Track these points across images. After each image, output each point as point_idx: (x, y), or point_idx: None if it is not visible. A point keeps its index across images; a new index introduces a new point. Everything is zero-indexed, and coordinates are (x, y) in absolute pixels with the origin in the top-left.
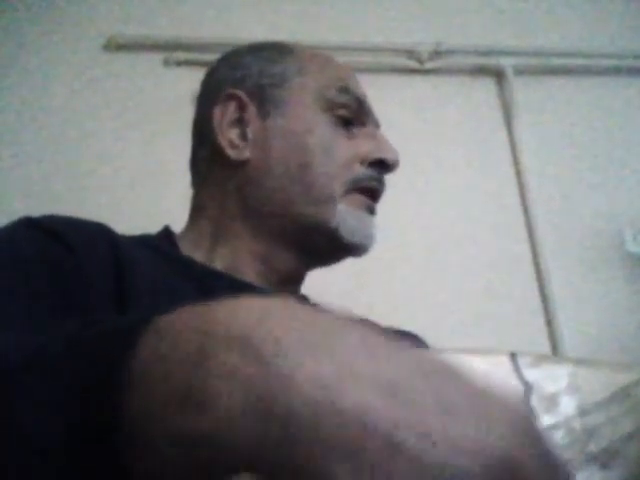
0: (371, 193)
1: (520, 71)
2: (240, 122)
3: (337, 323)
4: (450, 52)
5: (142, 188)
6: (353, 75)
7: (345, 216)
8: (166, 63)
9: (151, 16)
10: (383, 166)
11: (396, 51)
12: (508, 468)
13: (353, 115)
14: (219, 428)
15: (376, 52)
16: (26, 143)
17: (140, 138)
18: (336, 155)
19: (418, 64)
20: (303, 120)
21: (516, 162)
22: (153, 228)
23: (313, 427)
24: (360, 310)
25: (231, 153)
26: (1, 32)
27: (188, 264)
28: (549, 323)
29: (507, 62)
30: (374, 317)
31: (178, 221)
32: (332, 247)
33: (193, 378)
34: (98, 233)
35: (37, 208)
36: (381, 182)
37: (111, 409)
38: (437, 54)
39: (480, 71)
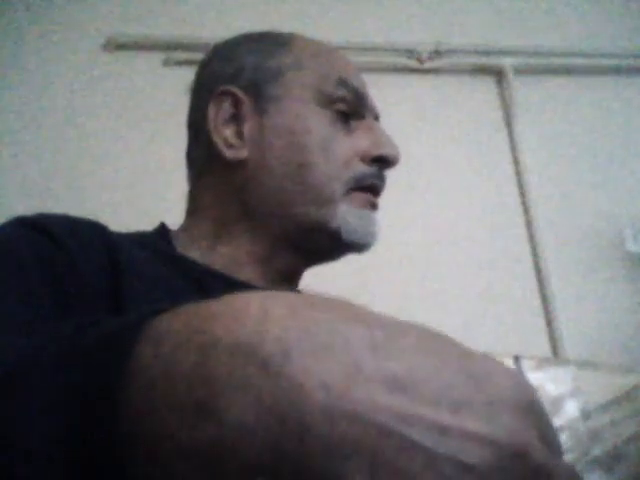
0: (372, 189)
1: (520, 71)
2: (235, 119)
3: (336, 315)
4: (450, 52)
5: (142, 188)
6: (351, 64)
7: (347, 216)
8: (166, 63)
9: (151, 16)
10: (383, 162)
11: (396, 51)
12: (518, 454)
13: (351, 108)
14: (232, 438)
15: (376, 52)
16: (26, 143)
17: (140, 138)
18: (336, 154)
19: (418, 64)
20: (301, 117)
21: (516, 162)
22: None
23: (328, 432)
24: None
25: (227, 153)
26: (1, 32)
27: (185, 263)
28: (549, 323)
29: (507, 62)
30: None
31: (178, 221)
32: (334, 246)
33: (200, 389)
34: (92, 232)
35: (37, 208)
36: (382, 179)
37: (110, 417)
38: (437, 54)
39: (480, 71)
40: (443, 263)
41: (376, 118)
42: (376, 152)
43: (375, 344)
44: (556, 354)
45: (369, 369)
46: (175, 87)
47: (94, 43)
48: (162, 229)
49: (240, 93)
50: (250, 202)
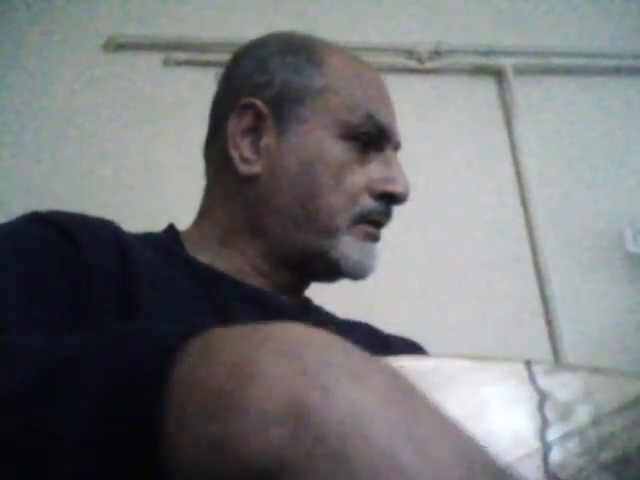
0: (376, 222)
1: (520, 71)
2: (254, 131)
3: (374, 359)
4: (450, 52)
5: (142, 188)
6: (383, 92)
7: (348, 248)
8: (166, 63)
9: (151, 16)
10: (391, 198)
11: (396, 51)
12: None
13: (372, 141)
14: (254, 430)
15: (376, 52)
16: (26, 143)
17: (140, 138)
18: (346, 185)
19: (418, 64)
20: (318, 144)
21: (516, 162)
22: (153, 228)
23: (341, 449)
24: (360, 310)
25: (241, 168)
26: (1, 32)
27: (193, 265)
28: (549, 323)
29: (507, 62)
30: (374, 317)
31: (178, 221)
32: (331, 274)
33: (234, 381)
34: (105, 231)
35: (37, 208)
36: (387, 214)
37: (148, 411)
38: (437, 54)
39: (480, 71)
40: (443, 263)
41: (397, 147)
42: (385, 188)
43: (405, 397)
44: (556, 354)
45: (396, 415)
46: (175, 87)
47: (94, 43)
48: (171, 230)
49: (263, 107)
50: (256, 218)
